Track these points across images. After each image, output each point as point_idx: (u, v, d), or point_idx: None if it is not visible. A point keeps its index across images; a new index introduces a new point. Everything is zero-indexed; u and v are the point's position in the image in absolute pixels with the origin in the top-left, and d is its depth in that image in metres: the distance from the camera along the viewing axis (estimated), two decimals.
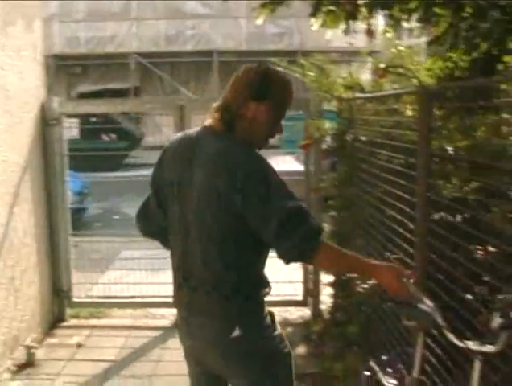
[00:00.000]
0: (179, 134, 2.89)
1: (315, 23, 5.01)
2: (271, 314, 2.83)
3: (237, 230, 2.61)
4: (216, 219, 2.60)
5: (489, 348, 2.36)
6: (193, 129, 2.83)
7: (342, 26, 4.92)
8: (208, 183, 2.59)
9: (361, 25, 4.98)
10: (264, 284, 2.82)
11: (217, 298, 2.70)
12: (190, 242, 2.71)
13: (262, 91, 2.64)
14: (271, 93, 2.66)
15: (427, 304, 2.63)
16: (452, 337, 2.54)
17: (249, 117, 2.64)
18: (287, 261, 2.52)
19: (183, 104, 5.93)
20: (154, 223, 2.94)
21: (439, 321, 2.57)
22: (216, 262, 2.66)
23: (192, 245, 2.70)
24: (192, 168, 2.66)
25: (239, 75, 2.68)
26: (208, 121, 2.72)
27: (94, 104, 6.92)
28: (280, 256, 2.52)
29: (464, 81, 3.17)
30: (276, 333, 2.80)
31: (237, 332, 2.68)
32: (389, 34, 4.96)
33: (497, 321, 2.28)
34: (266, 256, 2.81)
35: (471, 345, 2.41)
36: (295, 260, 2.53)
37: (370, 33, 4.98)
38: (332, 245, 2.64)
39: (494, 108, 2.68)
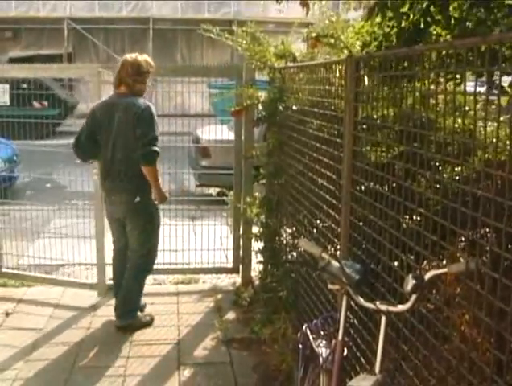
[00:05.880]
0: (104, 98, 5.32)
1: None
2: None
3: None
4: (131, 135, 4.94)
5: (397, 308, 2.46)
6: (111, 95, 5.25)
7: None
8: (124, 118, 4.99)
9: None
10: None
11: (126, 182, 5.06)
12: (115, 153, 5.06)
13: (141, 72, 5.09)
14: (142, 72, 5.10)
15: (335, 266, 2.71)
16: (360, 299, 2.62)
17: (136, 85, 5.10)
18: (142, 159, 4.93)
19: (100, 70, 5.92)
20: (84, 148, 5.23)
21: (349, 282, 2.66)
22: (129, 161, 4.99)
23: (116, 155, 5.05)
24: (114, 114, 5.05)
25: (127, 63, 5.08)
26: (119, 89, 5.14)
27: (15, 68, 6.73)
28: (140, 155, 4.91)
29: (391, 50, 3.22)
30: (155, 204, 5.19)
31: (137, 199, 5.05)
32: (323, 6, 4.95)
33: (410, 284, 2.36)
34: None
35: (379, 305, 2.50)
36: (144, 160, 4.93)
37: (305, 4, 4.97)
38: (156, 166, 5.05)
39: (419, 77, 2.72)
